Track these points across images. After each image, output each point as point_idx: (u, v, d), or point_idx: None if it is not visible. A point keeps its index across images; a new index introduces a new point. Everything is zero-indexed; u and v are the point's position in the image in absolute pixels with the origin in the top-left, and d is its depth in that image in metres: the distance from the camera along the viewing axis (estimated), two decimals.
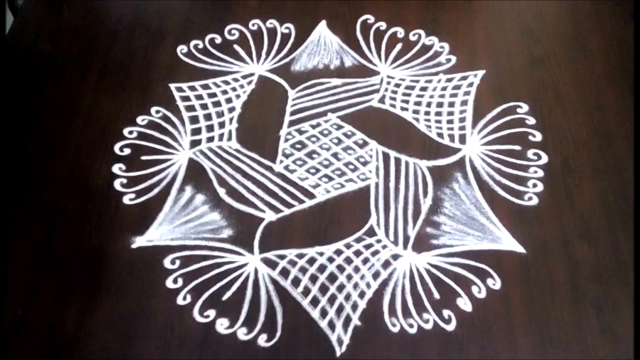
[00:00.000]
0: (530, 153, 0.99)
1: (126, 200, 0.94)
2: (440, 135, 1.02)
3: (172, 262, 0.88)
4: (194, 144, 1.01)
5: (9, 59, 1.10)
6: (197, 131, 1.03)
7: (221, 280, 0.87)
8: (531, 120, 1.03)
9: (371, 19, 1.17)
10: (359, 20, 1.17)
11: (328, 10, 1.19)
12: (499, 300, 0.85)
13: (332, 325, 0.83)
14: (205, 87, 1.08)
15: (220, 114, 1.05)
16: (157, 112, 1.04)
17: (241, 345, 0.81)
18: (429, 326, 0.83)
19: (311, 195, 0.95)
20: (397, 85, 1.08)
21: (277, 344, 0.82)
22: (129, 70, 1.09)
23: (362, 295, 0.86)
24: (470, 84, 1.08)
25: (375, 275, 0.87)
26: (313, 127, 1.03)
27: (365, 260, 0.89)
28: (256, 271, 0.88)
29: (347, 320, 0.84)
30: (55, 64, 1.10)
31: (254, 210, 0.94)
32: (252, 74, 1.10)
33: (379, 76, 1.10)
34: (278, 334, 0.82)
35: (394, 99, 1.07)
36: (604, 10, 1.18)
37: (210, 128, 1.03)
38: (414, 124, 1.04)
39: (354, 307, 0.85)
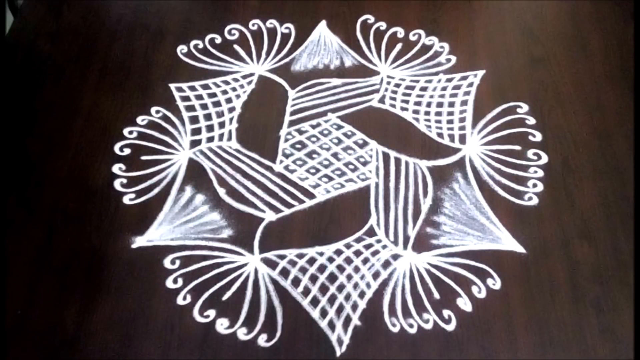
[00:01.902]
0: (530, 153, 0.99)
1: (126, 200, 0.94)
2: (440, 135, 1.02)
3: (172, 262, 0.88)
4: (194, 144, 1.01)
5: (9, 59, 1.10)
6: (197, 131, 1.03)
7: (221, 280, 0.87)
8: (531, 120, 1.03)
9: (371, 19, 1.17)
10: (359, 20, 1.17)
11: (328, 10, 1.19)
12: (499, 300, 0.85)
13: (332, 325, 0.83)
14: (205, 87, 1.08)
15: (220, 114, 1.05)
16: (157, 112, 1.04)
17: (241, 345, 0.81)
18: (429, 326, 0.83)
19: (311, 195, 0.95)
20: (397, 85, 1.08)
21: (277, 344, 0.82)
22: (129, 70, 1.09)
23: (362, 295, 0.86)
24: (470, 84, 1.08)
25: (375, 275, 0.87)
26: (313, 127, 1.03)
27: (365, 260, 0.89)
28: (256, 271, 0.88)
29: (347, 320, 0.84)
30: (55, 64, 1.10)
31: (254, 210, 0.94)
32: (252, 74, 1.10)
33: (379, 76, 1.10)
34: (278, 334, 0.82)
35: (394, 99, 1.07)
36: (604, 10, 1.18)
37: (210, 128, 1.03)
38: (414, 124, 1.04)
39: (354, 307, 0.85)
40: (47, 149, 0.99)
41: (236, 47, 1.13)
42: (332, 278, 0.87)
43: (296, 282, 0.87)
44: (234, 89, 1.08)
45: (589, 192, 0.95)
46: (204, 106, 1.05)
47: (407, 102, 1.06)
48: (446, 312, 0.84)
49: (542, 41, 1.14)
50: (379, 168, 0.98)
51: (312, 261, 0.89)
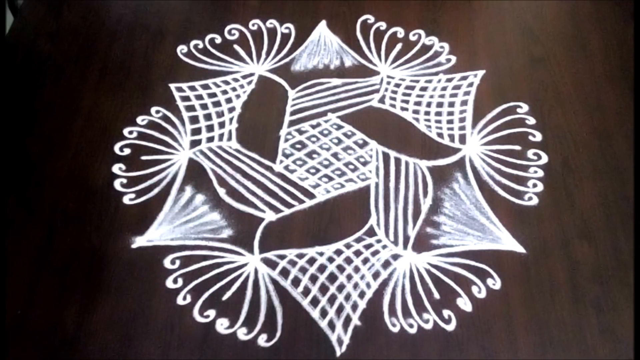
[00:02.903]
0: (530, 153, 0.99)
1: (126, 200, 0.94)
2: (440, 135, 1.02)
3: (172, 262, 0.88)
4: (194, 144, 1.01)
5: (9, 59, 1.10)
6: (197, 131, 1.03)
7: (221, 280, 0.87)
8: (531, 120, 1.03)
9: (371, 19, 1.17)
10: (359, 20, 1.17)
11: (328, 10, 1.19)
12: (499, 300, 0.85)
13: (332, 325, 0.83)
14: (205, 87, 1.08)
15: (220, 114, 1.05)
16: (157, 112, 1.04)
17: (241, 345, 0.81)
18: (429, 326, 0.83)
19: (311, 195, 0.95)
20: (397, 85, 1.08)
21: (277, 344, 0.82)
22: (129, 70, 1.09)
23: (362, 295, 0.86)
24: (470, 84, 1.08)
25: (375, 275, 0.87)
26: (313, 127, 1.03)
27: (365, 260, 0.89)
28: (256, 271, 0.88)
29: (347, 320, 0.84)
30: (55, 64, 1.10)
31: (254, 210, 0.94)
32: (252, 74, 1.10)
33: (379, 76, 1.10)
34: (278, 334, 0.82)
35: (394, 99, 1.07)
36: (604, 10, 1.18)
37: (210, 128, 1.03)
38: (414, 124, 1.04)
39: (354, 307, 0.85)
40: (47, 149, 0.99)
41: (236, 47, 1.13)
42: (332, 278, 0.87)
43: (296, 282, 0.87)
44: (234, 89, 1.08)
45: (589, 192, 0.95)
46: (204, 106, 1.05)
47: (407, 102, 1.06)
48: (446, 312, 0.84)
49: (542, 41, 1.14)
50: (379, 168, 0.98)
51: (312, 261, 0.89)
